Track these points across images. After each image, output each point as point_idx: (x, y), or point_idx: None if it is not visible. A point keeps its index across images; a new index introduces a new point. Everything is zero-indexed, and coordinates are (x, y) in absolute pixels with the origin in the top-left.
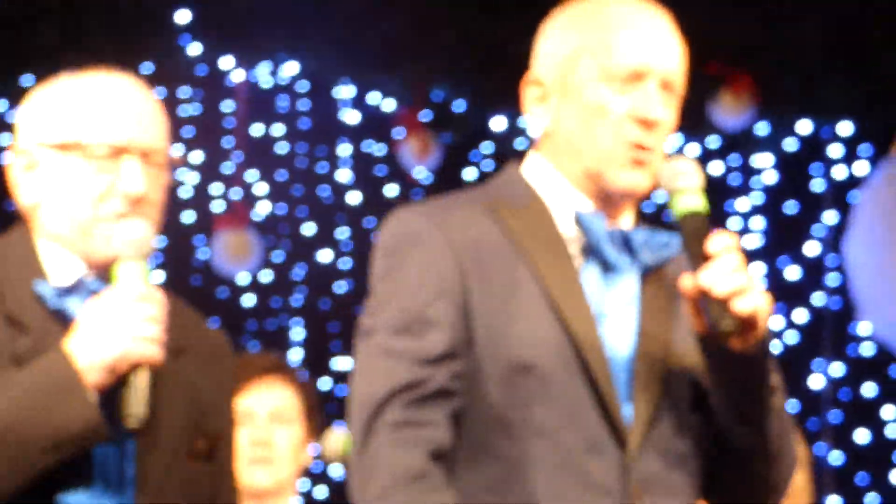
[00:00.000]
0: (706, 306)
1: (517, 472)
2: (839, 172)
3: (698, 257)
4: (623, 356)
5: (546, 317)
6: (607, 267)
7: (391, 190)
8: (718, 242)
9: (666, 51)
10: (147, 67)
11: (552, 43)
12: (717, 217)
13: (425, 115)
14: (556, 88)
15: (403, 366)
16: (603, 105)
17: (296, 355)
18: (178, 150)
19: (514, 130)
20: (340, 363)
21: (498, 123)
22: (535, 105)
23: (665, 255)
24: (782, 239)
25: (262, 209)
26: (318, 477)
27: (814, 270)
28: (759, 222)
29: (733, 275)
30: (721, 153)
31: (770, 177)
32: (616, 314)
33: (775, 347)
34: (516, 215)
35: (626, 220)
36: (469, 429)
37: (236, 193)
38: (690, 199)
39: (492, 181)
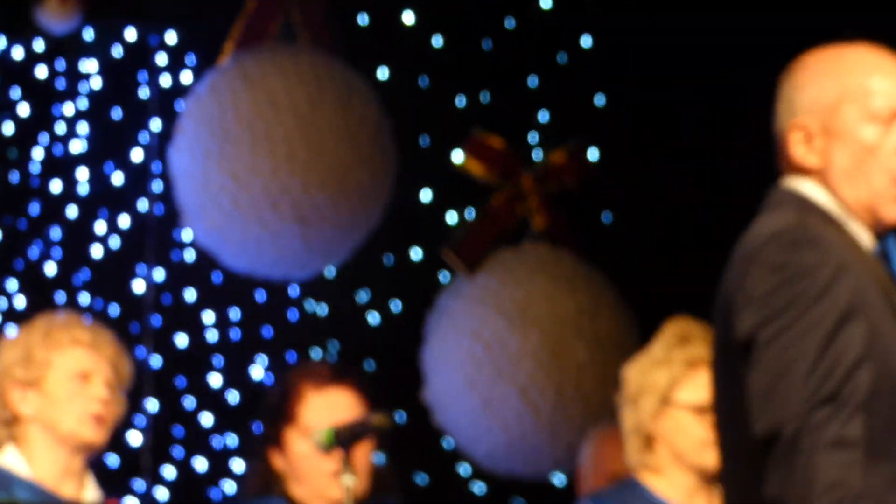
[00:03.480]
0: None
1: None
2: (165, 81)
3: None
4: None
5: None
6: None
7: None
8: None
9: None
10: None
11: (809, 93)
12: (43, 121)
13: None
14: (819, 132)
15: (828, 378)
16: (872, 143)
17: None
18: None
19: None
20: None
21: None
22: (800, 147)
23: None
24: (108, 145)
25: None
26: None
27: (138, 177)
28: (84, 127)
29: None
30: (47, 57)
31: (96, 83)
32: None
33: (98, 252)
34: (841, 234)
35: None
36: (868, 432)
37: None
38: None
39: (792, 200)
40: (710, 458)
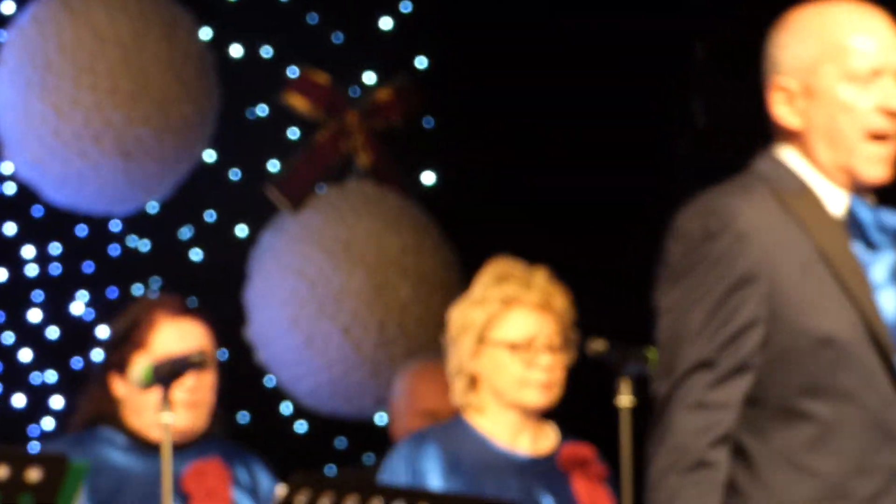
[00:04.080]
0: None
1: (832, 431)
2: None
3: None
4: (893, 326)
5: (837, 293)
6: (869, 245)
7: None
8: None
9: (894, 48)
10: None
11: (790, 53)
12: None
13: None
14: (800, 92)
15: (709, 342)
16: (850, 103)
17: None
18: None
19: None
20: None
21: None
22: (781, 107)
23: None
24: None
25: None
26: None
27: None
28: None
29: None
30: None
31: None
32: (882, 289)
33: None
34: (797, 200)
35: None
36: (779, 393)
37: None
38: None
39: (758, 169)
40: (527, 395)
